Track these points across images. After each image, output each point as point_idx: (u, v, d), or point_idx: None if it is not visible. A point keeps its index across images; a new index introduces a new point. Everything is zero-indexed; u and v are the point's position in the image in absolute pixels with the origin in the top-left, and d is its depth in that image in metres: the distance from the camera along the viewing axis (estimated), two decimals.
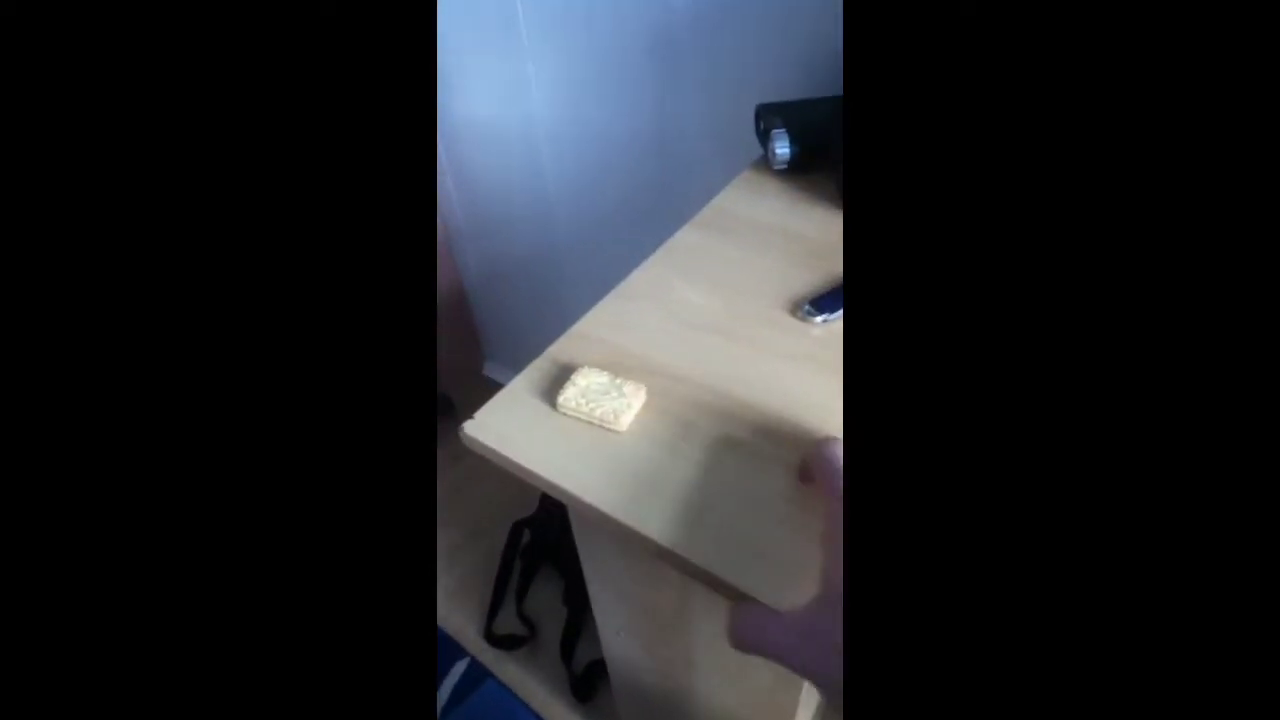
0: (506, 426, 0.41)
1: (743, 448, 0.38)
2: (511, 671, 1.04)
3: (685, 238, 0.54)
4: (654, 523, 0.35)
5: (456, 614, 1.11)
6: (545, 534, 1.13)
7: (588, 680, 1.00)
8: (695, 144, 0.82)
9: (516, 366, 1.65)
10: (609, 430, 0.40)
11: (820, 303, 0.46)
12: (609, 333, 0.45)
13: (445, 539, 1.20)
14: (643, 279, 0.50)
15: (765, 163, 0.61)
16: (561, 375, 0.42)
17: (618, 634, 0.59)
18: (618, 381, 0.41)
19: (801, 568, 0.32)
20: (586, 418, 0.40)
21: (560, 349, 0.45)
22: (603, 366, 0.42)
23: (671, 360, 0.43)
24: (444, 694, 1.04)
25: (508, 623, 1.09)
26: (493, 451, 0.41)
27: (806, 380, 0.41)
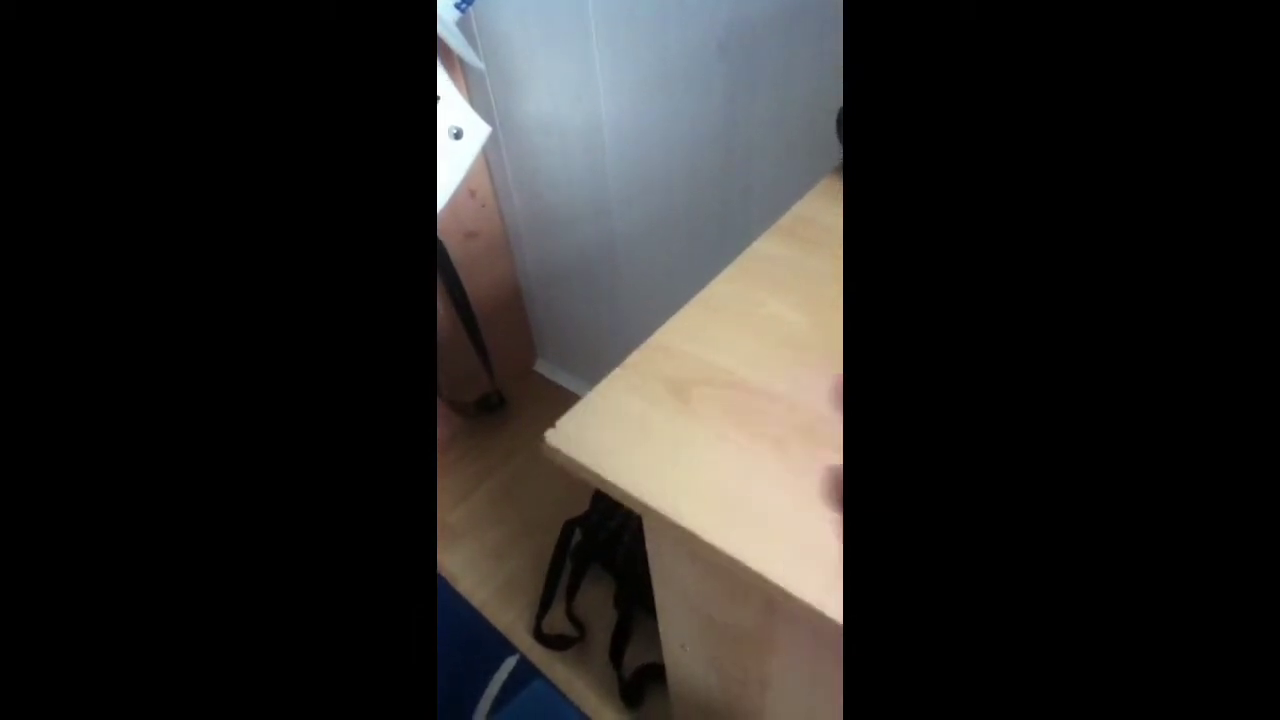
0: (586, 437, 0.40)
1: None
2: (560, 672, 1.04)
3: (766, 247, 0.52)
4: (739, 544, 0.34)
5: (506, 611, 1.11)
6: (596, 534, 1.13)
7: (636, 685, 1.00)
8: (765, 148, 0.80)
9: (567, 365, 1.64)
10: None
11: None
12: (693, 346, 0.44)
13: (496, 536, 1.21)
14: (725, 291, 0.49)
15: None
16: (641, 385, 0.41)
17: (683, 647, 0.58)
18: None
19: None
20: None
21: (641, 359, 0.44)
22: (689, 381, 0.41)
23: (767, 379, 0.42)
24: (493, 689, 1.05)
25: (557, 622, 1.09)
26: (572, 461, 0.40)
27: None
